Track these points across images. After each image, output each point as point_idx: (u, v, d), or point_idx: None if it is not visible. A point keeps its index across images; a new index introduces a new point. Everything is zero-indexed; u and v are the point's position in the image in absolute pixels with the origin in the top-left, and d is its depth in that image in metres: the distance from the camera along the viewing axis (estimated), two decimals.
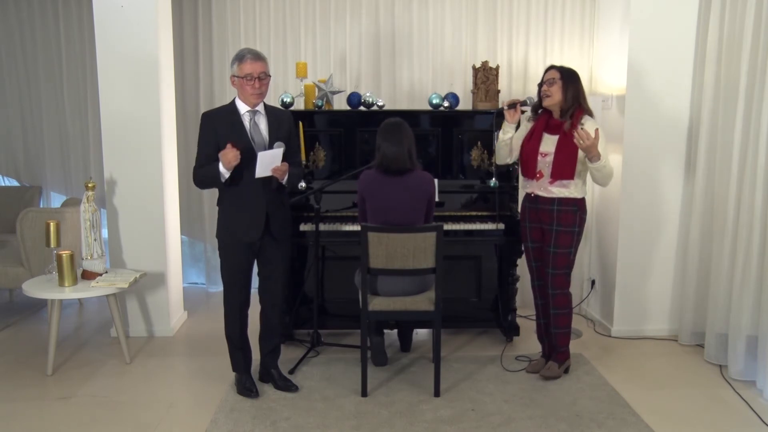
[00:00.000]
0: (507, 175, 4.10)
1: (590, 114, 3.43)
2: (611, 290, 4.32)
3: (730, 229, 3.62)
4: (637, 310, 4.27)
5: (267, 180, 3.15)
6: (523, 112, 3.65)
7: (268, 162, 3.07)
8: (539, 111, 3.52)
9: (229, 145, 3.02)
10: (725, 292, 3.68)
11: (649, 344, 4.14)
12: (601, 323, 4.48)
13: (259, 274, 3.37)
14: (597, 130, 3.27)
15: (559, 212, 3.42)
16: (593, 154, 3.25)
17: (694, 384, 3.53)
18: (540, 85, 3.47)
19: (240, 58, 3.12)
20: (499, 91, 4.29)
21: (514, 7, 4.84)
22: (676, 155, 4.12)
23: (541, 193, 3.46)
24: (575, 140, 3.24)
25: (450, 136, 4.22)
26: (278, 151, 3.09)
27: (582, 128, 3.26)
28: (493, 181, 4.09)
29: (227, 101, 3.33)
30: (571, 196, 3.42)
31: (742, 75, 3.52)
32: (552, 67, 3.46)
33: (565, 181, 3.39)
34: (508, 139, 3.57)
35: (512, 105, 3.53)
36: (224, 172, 3.06)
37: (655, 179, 4.14)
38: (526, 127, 3.57)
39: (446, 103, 4.20)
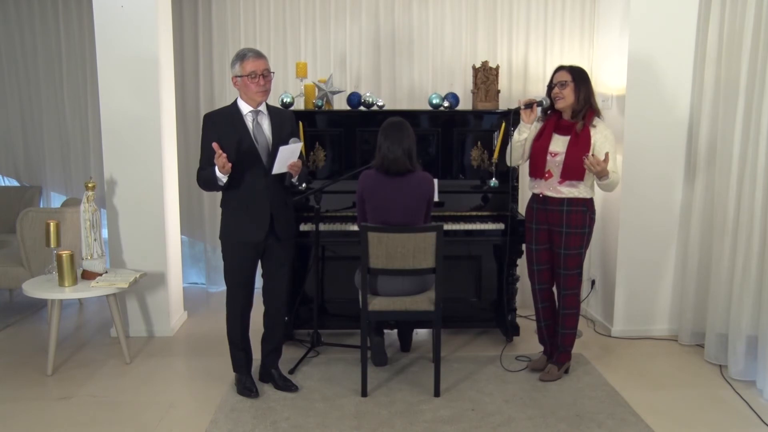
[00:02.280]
0: (507, 175, 4.10)
1: (599, 113, 3.43)
2: (611, 290, 4.32)
3: (730, 229, 3.62)
4: (638, 310, 4.27)
5: (272, 180, 3.14)
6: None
7: (287, 157, 3.08)
8: (548, 112, 3.51)
9: (217, 152, 2.99)
10: (725, 292, 3.69)
11: (649, 344, 4.14)
12: (601, 323, 4.48)
13: (263, 275, 3.36)
14: (607, 154, 3.28)
15: (568, 213, 3.41)
16: (603, 175, 3.27)
17: (694, 384, 3.53)
18: (550, 87, 3.45)
19: (241, 57, 3.12)
20: (499, 91, 4.29)
21: (514, 7, 4.84)
22: (676, 155, 4.12)
23: (550, 194, 3.45)
24: (585, 166, 3.25)
25: (450, 136, 4.22)
26: (297, 146, 3.11)
27: (592, 155, 3.26)
28: (493, 181, 4.10)
29: (227, 101, 3.33)
30: (581, 196, 3.41)
31: (742, 75, 3.52)
32: (562, 68, 3.42)
33: (574, 182, 3.39)
34: (524, 140, 3.54)
35: (529, 105, 3.49)
36: (221, 176, 3.06)
37: (655, 179, 4.14)
38: (535, 127, 3.54)
39: (446, 103, 4.20)
